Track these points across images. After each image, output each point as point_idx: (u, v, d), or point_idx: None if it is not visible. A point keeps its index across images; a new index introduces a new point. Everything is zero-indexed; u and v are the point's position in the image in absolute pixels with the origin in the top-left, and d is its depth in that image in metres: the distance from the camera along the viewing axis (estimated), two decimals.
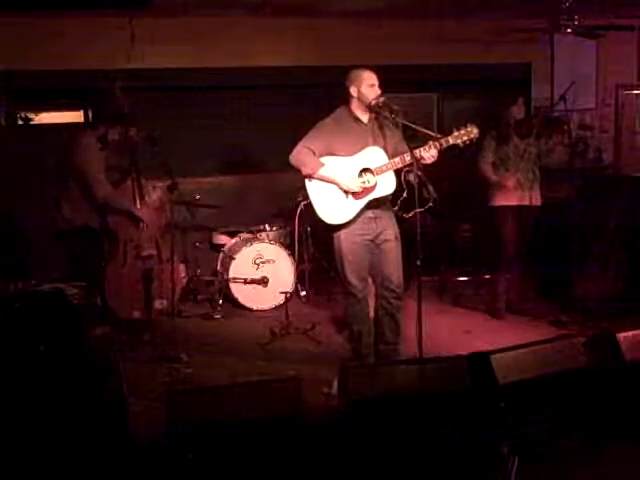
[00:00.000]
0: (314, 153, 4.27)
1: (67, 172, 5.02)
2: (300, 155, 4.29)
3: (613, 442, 3.34)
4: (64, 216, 4.99)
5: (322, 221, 4.34)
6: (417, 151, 4.09)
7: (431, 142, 4.11)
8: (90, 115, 6.82)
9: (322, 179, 4.29)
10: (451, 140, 4.11)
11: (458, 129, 4.11)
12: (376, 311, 4.50)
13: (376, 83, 4.26)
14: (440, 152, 4.13)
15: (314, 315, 5.84)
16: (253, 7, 6.32)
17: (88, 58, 6.23)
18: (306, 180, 4.34)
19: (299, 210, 6.24)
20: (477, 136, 4.12)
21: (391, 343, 4.45)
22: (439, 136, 4.12)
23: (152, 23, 6.38)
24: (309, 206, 4.42)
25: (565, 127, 5.63)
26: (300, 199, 6.14)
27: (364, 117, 4.35)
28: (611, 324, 4.75)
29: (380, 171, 4.23)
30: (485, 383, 3.17)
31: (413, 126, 4.16)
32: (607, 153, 7.98)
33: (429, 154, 4.11)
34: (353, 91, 4.29)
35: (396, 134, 4.38)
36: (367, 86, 4.25)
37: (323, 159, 4.29)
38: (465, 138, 4.09)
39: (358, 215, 4.29)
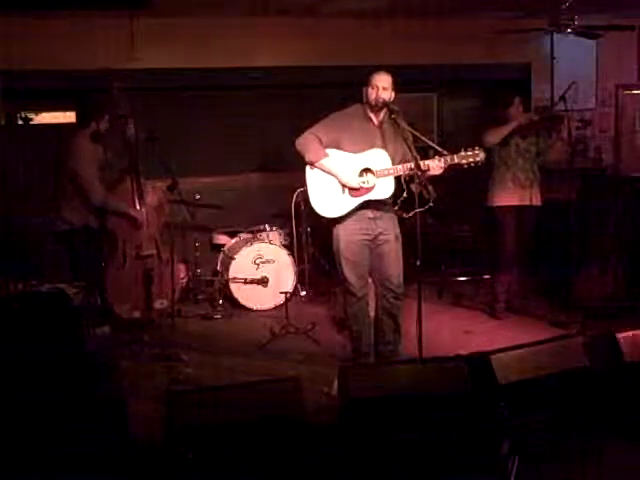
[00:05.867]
0: (321, 142, 4.30)
1: (63, 173, 5.02)
2: (306, 141, 4.32)
3: (613, 442, 3.35)
4: (63, 217, 4.99)
5: (317, 213, 4.35)
6: (422, 163, 4.07)
7: (437, 157, 4.12)
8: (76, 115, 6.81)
9: (323, 169, 4.31)
10: (457, 159, 4.11)
11: (466, 150, 4.10)
12: (376, 311, 4.52)
13: (383, 85, 4.25)
14: (446, 169, 4.14)
15: (314, 315, 5.83)
16: (253, 7, 6.32)
17: (88, 58, 6.23)
18: (307, 168, 4.36)
19: (295, 195, 6.22)
20: (483, 161, 4.11)
21: (391, 343, 4.46)
22: (445, 152, 4.12)
23: (152, 23, 6.38)
24: (305, 196, 4.42)
25: (566, 122, 5.60)
26: (299, 189, 6.10)
27: (375, 118, 4.36)
28: (611, 324, 4.74)
29: (381, 174, 4.24)
30: (485, 383, 3.17)
31: (420, 136, 4.15)
32: (607, 153, 7.97)
33: (434, 165, 4.11)
34: (364, 91, 4.33)
35: (406, 142, 4.19)
36: (371, 87, 4.28)
37: (328, 151, 4.31)
38: (471, 160, 4.09)
39: (352, 213, 4.31)
